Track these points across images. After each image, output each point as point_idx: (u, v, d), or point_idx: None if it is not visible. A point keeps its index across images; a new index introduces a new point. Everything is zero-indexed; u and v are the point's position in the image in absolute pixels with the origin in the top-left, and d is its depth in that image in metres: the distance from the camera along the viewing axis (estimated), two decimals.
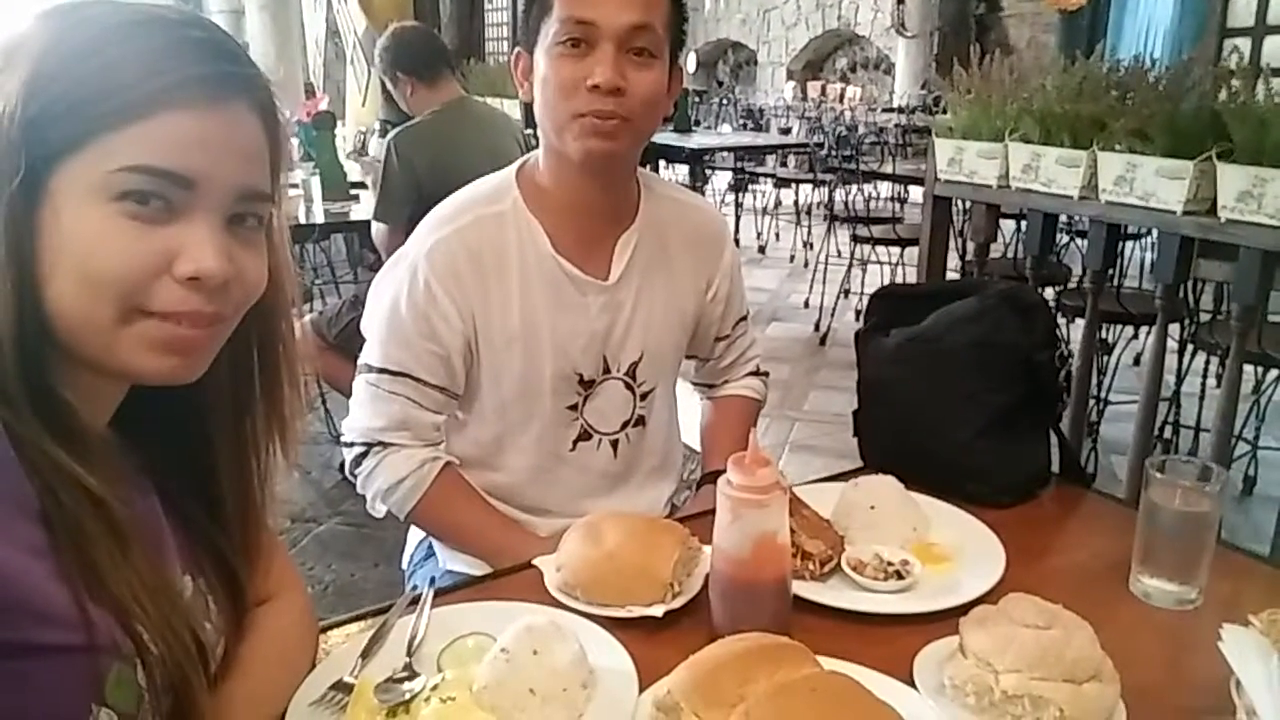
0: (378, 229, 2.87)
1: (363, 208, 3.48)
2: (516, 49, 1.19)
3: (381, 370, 1.18)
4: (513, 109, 5.56)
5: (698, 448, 1.43)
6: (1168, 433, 3.15)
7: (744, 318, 1.41)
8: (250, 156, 0.64)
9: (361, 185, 3.77)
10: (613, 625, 0.88)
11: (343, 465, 1.29)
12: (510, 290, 1.17)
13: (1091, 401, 2.97)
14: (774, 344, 4.58)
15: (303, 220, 3.36)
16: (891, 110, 9.16)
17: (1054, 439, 1.19)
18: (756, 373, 1.45)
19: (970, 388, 1.13)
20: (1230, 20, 1.98)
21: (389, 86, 3.02)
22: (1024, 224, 2.77)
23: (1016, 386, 1.13)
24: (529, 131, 5.01)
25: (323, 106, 5.31)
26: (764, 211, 7.34)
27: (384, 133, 4.08)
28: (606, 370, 1.24)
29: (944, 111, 2.45)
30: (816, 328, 4.80)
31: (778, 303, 5.46)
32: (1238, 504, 2.90)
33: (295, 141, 4.92)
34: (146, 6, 0.62)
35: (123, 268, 0.59)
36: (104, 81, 0.58)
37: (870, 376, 1.24)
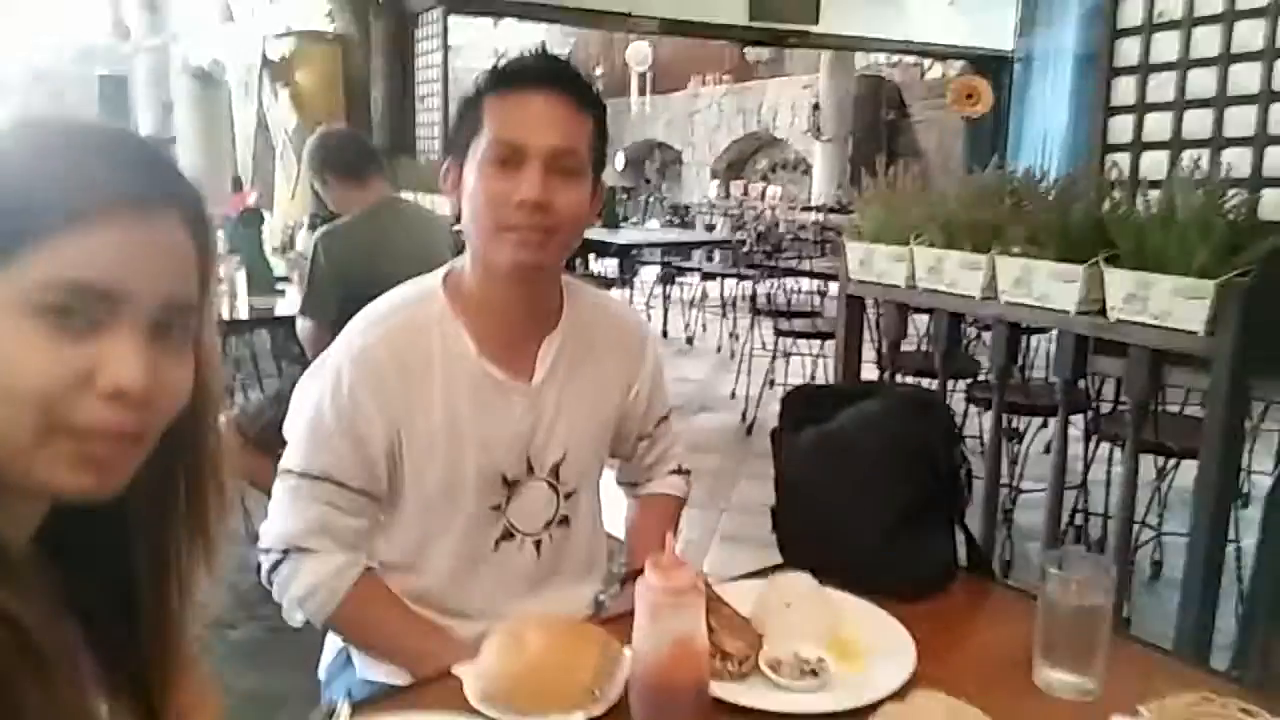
0: (303, 325, 2.86)
1: (287, 302, 3.47)
2: (446, 161, 1.24)
3: (303, 474, 1.17)
4: (443, 205, 5.65)
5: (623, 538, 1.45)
6: (1078, 519, 3.27)
7: (665, 417, 1.44)
8: (177, 268, 0.63)
9: (286, 280, 3.77)
10: None
11: (259, 567, 1.27)
12: (433, 393, 1.19)
13: (1004, 490, 3.08)
14: (702, 434, 4.64)
15: (227, 316, 3.33)
16: (810, 209, 9.56)
17: (960, 533, 1.24)
18: (679, 470, 1.48)
19: (879, 485, 1.18)
20: (1110, 137, 2.17)
21: (317, 187, 3.05)
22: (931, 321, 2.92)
23: (922, 483, 1.18)
24: (458, 229, 5.10)
25: (251, 200, 5.32)
26: (691, 303, 7.51)
27: (313, 226, 4.10)
28: (530, 470, 1.25)
29: (855, 214, 2.58)
30: (743, 418, 4.88)
31: (706, 393, 5.55)
32: (1147, 588, 3.00)
33: (221, 234, 4.91)
34: (72, 119, 0.62)
35: (41, 383, 0.58)
36: (24, 195, 0.58)
37: (786, 474, 1.28)
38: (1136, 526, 2.61)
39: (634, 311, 1.44)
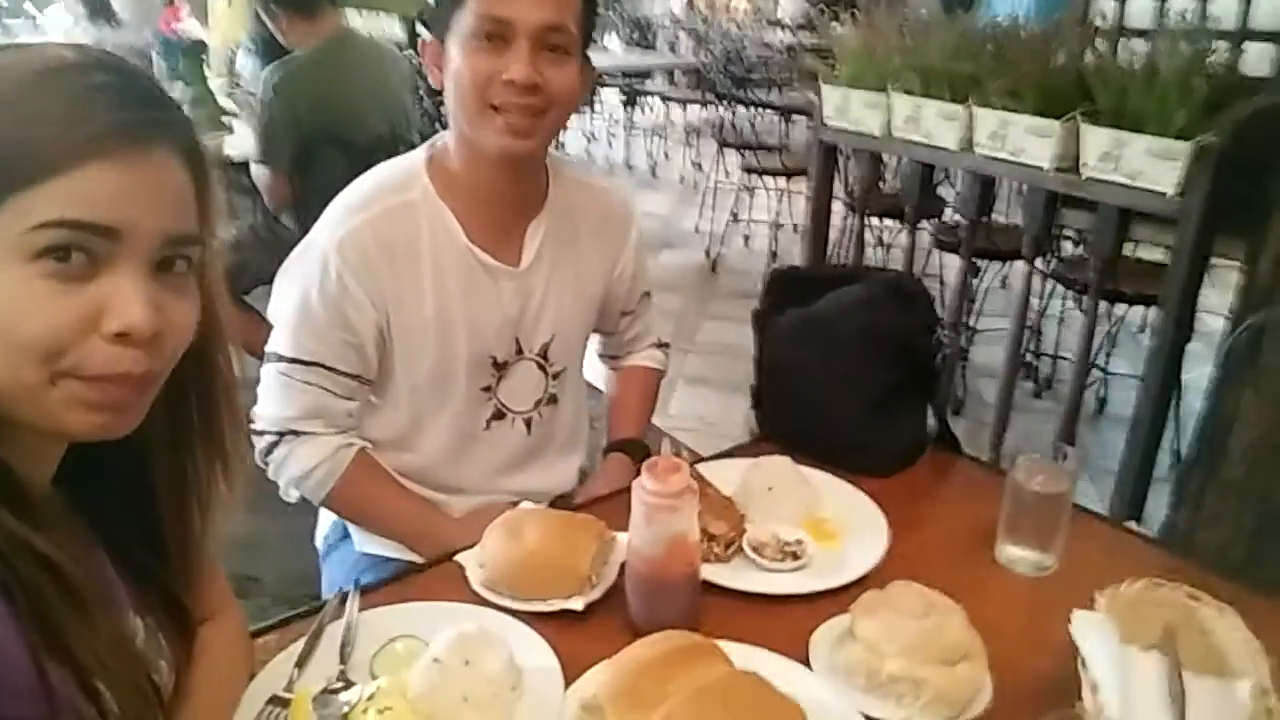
0: (259, 172, 2.76)
1: (235, 140, 3.31)
2: (425, 39, 1.18)
3: (293, 360, 1.18)
4: (392, 25, 5.32)
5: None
6: (1029, 359, 3.40)
7: (647, 293, 1.45)
8: (176, 201, 0.62)
9: (232, 115, 3.58)
10: (535, 619, 0.94)
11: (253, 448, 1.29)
12: (423, 278, 1.18)
13: (962, 330, 3.17)
14: (666, 273, 4.65)
15: None
16: (778, 24, 9.17)
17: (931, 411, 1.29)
18: (659, 344, 1.51)
19: (857, 368, 1.22)
20: None
21: (264, 19, 2.85)
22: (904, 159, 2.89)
23: (898, 367, 1.22)
24: (408, 52, 4.82)
25: (185, 16, 4.98)
26: (654, 131, 7.31)
27: (254, 49, 3.86)
28: (519, 352, 1.27)
29: (830, 60, 2.50)
30: (707, 254, 4.88)
31: (669, 229, 5.51)
32: (1091, 423, 3.16)
33: (156, 58, 4.61)
34: (55, 53, 0.60)
35: (46, 331, 0.57)
36: (17, 139, 0.56)
37: (767, 354, 1.31)
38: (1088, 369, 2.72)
39: (618, 189, 1.42)
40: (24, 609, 0.56)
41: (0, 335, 0.57)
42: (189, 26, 5.05)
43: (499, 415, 1.29)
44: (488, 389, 1.27)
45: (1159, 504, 1.99)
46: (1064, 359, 3.32)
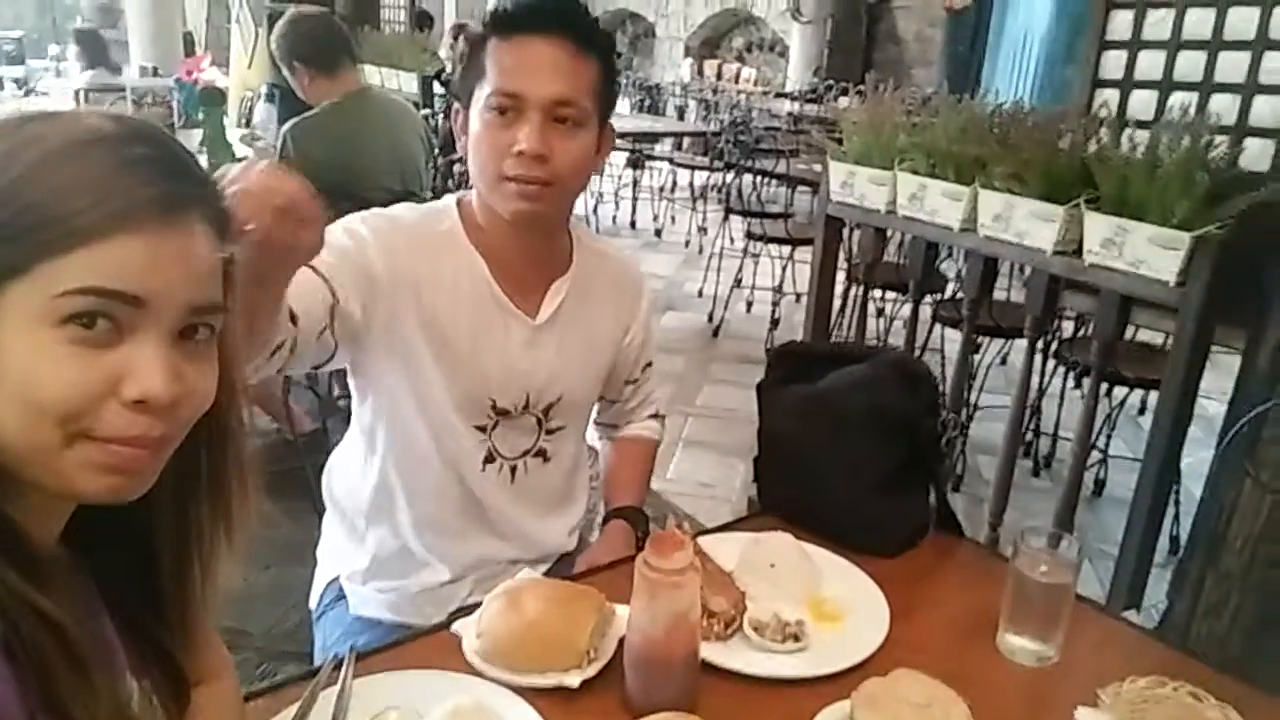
0: None
1: None
2: (456, 105, 1.23)
3: None
4: (409, 82, 5.44)
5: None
6: (1029, 437, 3.40)
7: (650, 364, 1.47)
8: (203, 272, 0.63)
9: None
10: (531, 694, 0.93)
11: None
12: (441, 283, 1.19)
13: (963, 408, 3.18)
14: (668, 335, 4.67)
15: None
16: (785, 96, 9.35)
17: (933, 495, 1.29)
18: (656, 415, 1.51)
19: (861, 448, 1.22)
20: (1102, 72, 2.14)
21: (285, 74, 2.91)
22: (909, 236, 2.93)
23: (902, 448, 1.23)
24: (428, 113, 4.92)
25: (205, 65, 5.07)
26: (660, 192, 7.41)
27: (270, 98, 3.93)
28: (527, 407, 1.27)
29: (838, 138, 2.55)
30: (710, 319, 4.91)
31: (672, 291, 5.55)
32: (1088, 505, 3.15)
33: (175, 102, 4.70)
34: (92, 123, 0.61)
35: (66, 394, 0.58)
36: (51, 207, 0.57)
37: (770, 427, 1.32)
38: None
39: (632, 258, 1.44)
40: (25, 669, 0.56)
41: (19, 397, 0.58)
42: (210, 74, 5.14)
43: (490, 458, 1.28)
44: (482, 429, 1.26)
45: (1158, 589, 1.98)
46: (1064, 439, 3.32)
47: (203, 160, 3.55)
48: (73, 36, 5.81)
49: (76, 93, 5.07)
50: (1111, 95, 2.25)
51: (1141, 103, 2.22)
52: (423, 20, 7.50)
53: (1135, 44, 2.23)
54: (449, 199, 1.26)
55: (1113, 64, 2.27)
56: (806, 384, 1.28)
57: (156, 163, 0.61)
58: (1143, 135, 1.97)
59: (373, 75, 5.34)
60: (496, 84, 1.13)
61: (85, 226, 0.57)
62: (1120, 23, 2.25)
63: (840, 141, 2.55)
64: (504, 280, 1.22)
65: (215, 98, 3.56)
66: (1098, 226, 1.96)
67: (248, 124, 4.38)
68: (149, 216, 0.59)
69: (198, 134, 3.79)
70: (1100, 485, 3.25)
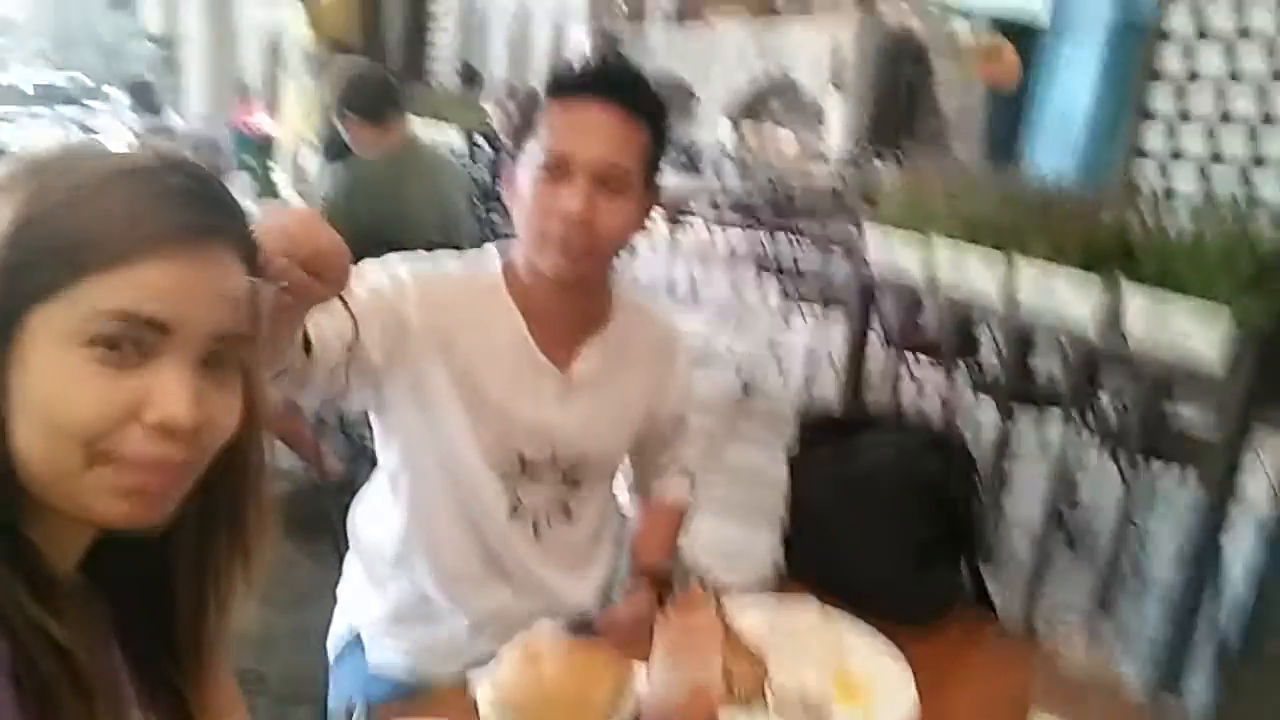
0: None
1: None
2: (507, 160, 1.25)
3: None
4: (455, 136, 5.56)
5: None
6: (1064, 514, 3.32)
7: (684, 420, 1.46)
8: (230, 300, 0.63)
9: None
10: None
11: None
12: (476, 343, 1.20)
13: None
14: (698, 392, 4.65)
15: None
16: (823, 160, 9.44)
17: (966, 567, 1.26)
18: (685, 472, 1.50)
19: (892, 520, 1.20)
20: (1143, 145, 2.14)
21: (335, 123, 2.99)
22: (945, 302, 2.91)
23: (935, 520, 1.20)
24: (468, 165, 5.02)
25: (257, 114, 5.23)
26: (696, 253, 7.46)
27: (320, 148, 4.03)
28: (553, 461, 1.27)
29: (873, 203, 2.56)
30: (740, 376, 4.89)
31: (704, 349, 5.55)
32: (1126, 587, 3.06)
33: (226, 147, 4.84)
34: (131, 155, 0.63)
35: (89, 415, 0.58)
36: (86, 232, 0.58)
37: (800, 496, 1.30)
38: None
39: (670, 317, 1.44)
40: (31, 698, 0.55)
41: (44, 418, 0.58)
42: (260, 121, 5.30)
43: (513, 510, 1.27)
44: (508, 479, 1.25)
45: (1197, 676, 1.90)
46: (1098, 514, 3.24)
47: (248, 204, 3.66)
48: (127, 88, 6.02)
49: (129, 133, 5.24)
50: (1152, 167, 2.24)
51: (1183, 175, 2.21)
52: (471, 76, 7.70)
53: (1177, 118, 2.22)
54: (492, 249, 1.28)
55: (1154, 136, 2.27)
56: (838, 452, 1.26)
57: (190, 193, 0.62)
58: (1184, 208, 1.96)
59: (420, 128, 5.48)
60: (547, 144, 1.15)
61: (116, 251, 0.58)
62: (1162, 95, 2.25)
63: (876, 204, 2.57)
64: (541, 335, 1.23)
65: (264, 144, 3.65)
66: (1138, 299, 1.94)
67: (297, 173, 4.49)
68: (180, 243, 0.60)
69: (246, 178, 3.91)
70: (1138, 567, 3.16)
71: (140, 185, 0.60)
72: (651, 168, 1.20)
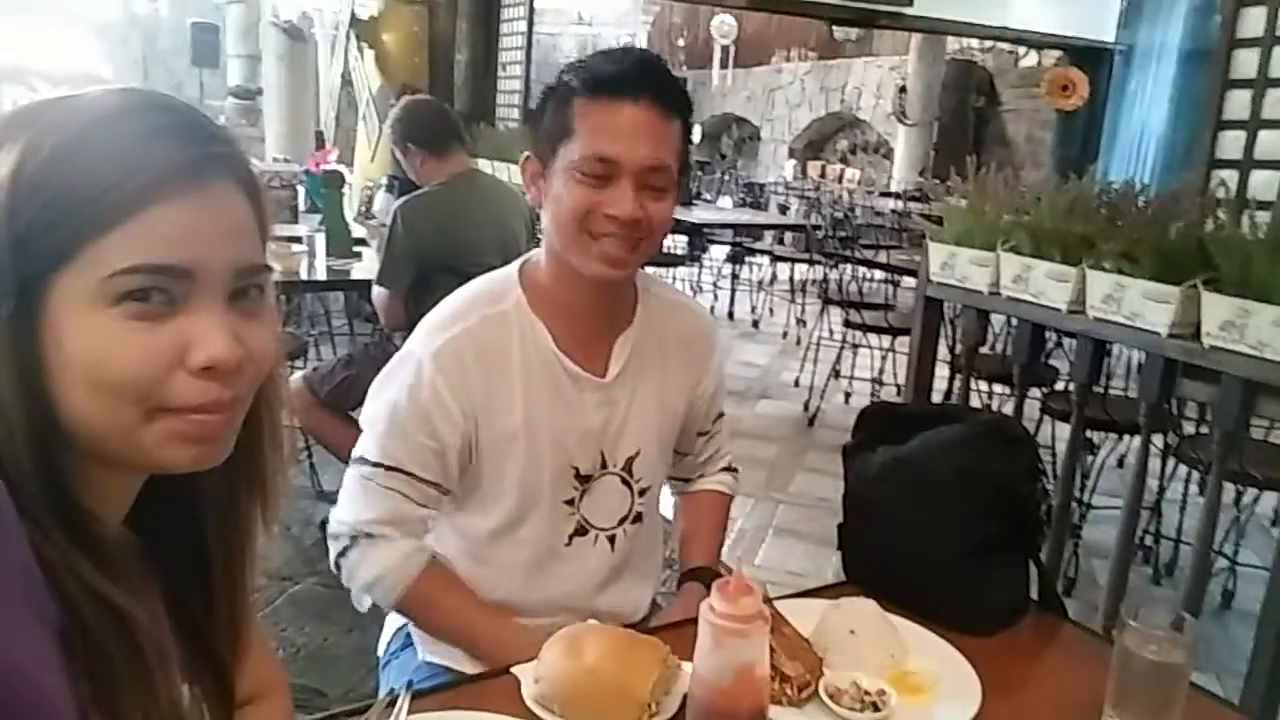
0: (378, 293, 2.90)
1: (364, 265, 3.52)
2: (526, 154, 1.22)
3: (377, 464, 1.19)
4: (518, 174, 5.67)
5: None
6: (1148, 540, 3.17)
7: (722, 414, 1.44)
8: (241, 233, 0.63)
9: (364, 243, 3.82)
10: None
11: (323, 522, 1.29)
12: (513, 388, 1.20)
13: (1074, 505, 2.99)
14: (763, 422, 4.60)
15: (305, 276, 3.40)
16: (889, 195, 9.36)
17: (1033, 569, 1.20)
18: (729, 468, 1.48)
19: (953, 514, 1.15)
20: (1219, 152, 2.07)
21: (399, 156, 3.07)
22: (1014, 320, 2.83)
23: (998, 516, 1.15)
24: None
25: (332, 159, 5.40)
26: (759, 285, 7.44)
27: (390, 189, 4.15)
28: (604, 465, 1.26)
29: (939, 220, 2.51)
30: (806, 408, 4.83)
31: (768, 380, 5.50)
32: (1215, 618, 2.90)
33: (302, 191, 5.00)
34: (111, 99, 0.61)
35: (136, 370, 0.58)
36: (86, 186, 0.57)
37: (856, 493, 1.26)
38: (1211, 556, 2.52)
39: (701, 308, 1.44)
40: (80, 662, 0.54)
41: (91, 381, 0.58)
42: (334, 166, 5.47)
43: (581, 531, 1.27)
44: (571, 502, 1.25)
45: None
46: (1186, 544, 3.08)
47: (320, 241, 3.73)
48: None
49: None
50: (1230, 175, 2.15)
51: (1263, 182, 2.12)
52: (534, 117, 7.85)
53: (1254, 123, 2.14)
54: (513, 266, 1.27)
55: (1230, 144, 2.19)
56: (895, 445, 1.22)
57: (180, 129, 0.61)
58: (1263, 215, 1.87)
59: (486, 168, 5.60)
60: (590, 147, 1.12)
61: (120, 201, 0.57)
62: (1238, 103, 2.17)
63: (940, 223, 2.51)
64: (569, 344, 1.22)
65: (335, 179, 3.76)
66: (1217, 307, 1.85)
67: (368, 212, 4.62)
68: (178, 184, 0.59)
69: (318, 216, 4.02)
70: (1228, 597, 2.99)
71: (128, 129, 0.59)
72: (685, 161, 1.21)
